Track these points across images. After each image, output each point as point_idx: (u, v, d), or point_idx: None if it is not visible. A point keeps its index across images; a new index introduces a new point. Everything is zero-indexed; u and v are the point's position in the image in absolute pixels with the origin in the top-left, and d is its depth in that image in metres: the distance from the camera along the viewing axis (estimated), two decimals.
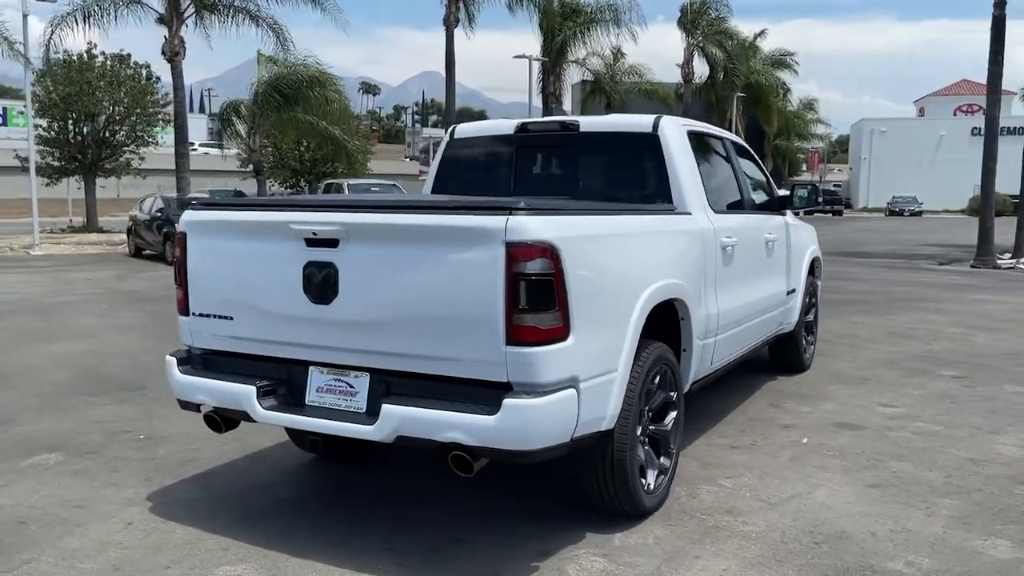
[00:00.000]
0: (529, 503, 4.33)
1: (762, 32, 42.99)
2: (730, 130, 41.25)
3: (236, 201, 4.37)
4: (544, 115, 32.55)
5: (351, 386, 3.65)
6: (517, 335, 3.24)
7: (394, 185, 22.51)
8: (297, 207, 3.79)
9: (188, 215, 3.98)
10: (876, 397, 6.53)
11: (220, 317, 3.90)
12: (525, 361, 3.25)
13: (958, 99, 76.32)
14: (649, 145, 4.92)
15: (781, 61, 45.92)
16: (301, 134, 26.36)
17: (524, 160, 5.49)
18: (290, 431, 4.71)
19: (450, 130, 5.65)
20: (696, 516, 4.16)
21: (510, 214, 3.23)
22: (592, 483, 3.94)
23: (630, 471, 3.87)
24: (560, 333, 3.29)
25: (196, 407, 3.99)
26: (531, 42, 31.42)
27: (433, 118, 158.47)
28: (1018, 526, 4.04)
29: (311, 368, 3.75)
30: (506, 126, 5.44)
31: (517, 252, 3.19)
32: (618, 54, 34.26)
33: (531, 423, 3.24)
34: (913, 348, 8.64)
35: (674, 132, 4.92)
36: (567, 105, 35.40)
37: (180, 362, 4.01)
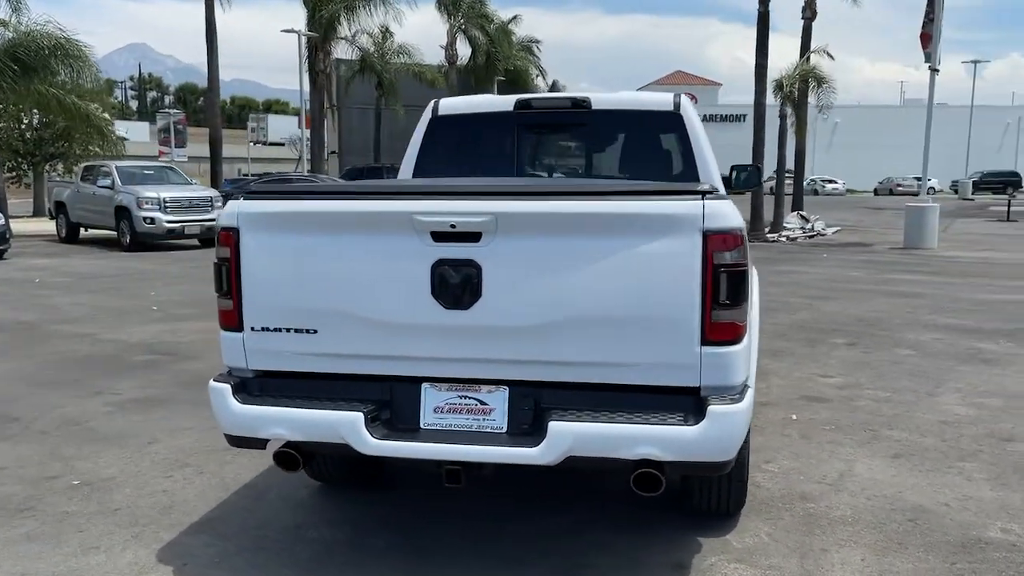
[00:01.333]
0: (604, 514, 3.99)
1: (515, 17, 43.97)
2: None
3: (309, 188, 3.55)
4: (312, 94, 31.11)
5: (483, 403, 3.11)
6: (714, 334, 2.90)
7: (170, 168, 20.30)
8: (415, 194, 3.14)
9: (242, 206, 3.15)
10: (807, 368, 6.84)
11: (298, 331, 3.15)
12: (722, 362, 2.93)
13: (675, 88, 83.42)
14: (672, 124, 4.72)
15: (528, 47, 47.35)
16: (45, 109, 22.95)
17: (527, 140, 5.05)
18: (280, 457, 3.90)
19: (432, 106, 5.02)
20: (778, 506, 4.05)
21: (703, 198, 2.89)
22: (705, 484, 3.69)
23: (747, 469, 3.68)
24: (744, 329, 3.01)
25: (261, 443, 3.22)
26: (254, 14, 29.25)
27: (152, 94, 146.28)
28: None
29: (424, 385, 3.14)
30: (503, 102, 4.93)
31: (718, 240, 2.86)
32: (386, 33, 33.49)
33: (736, 430, 2.93)
34: (785, 319, 9.20)
35: (692, 110, 4.76)
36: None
37: (236, 389, 3.19)
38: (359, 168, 29.76)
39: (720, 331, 2.91)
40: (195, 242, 18.31)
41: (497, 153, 5.02)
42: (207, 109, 27.32)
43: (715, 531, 3.77)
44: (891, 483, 4.34)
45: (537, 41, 48.21)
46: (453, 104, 5.03)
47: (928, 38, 17.87)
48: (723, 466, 2.97)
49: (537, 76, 46.05)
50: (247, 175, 37.05)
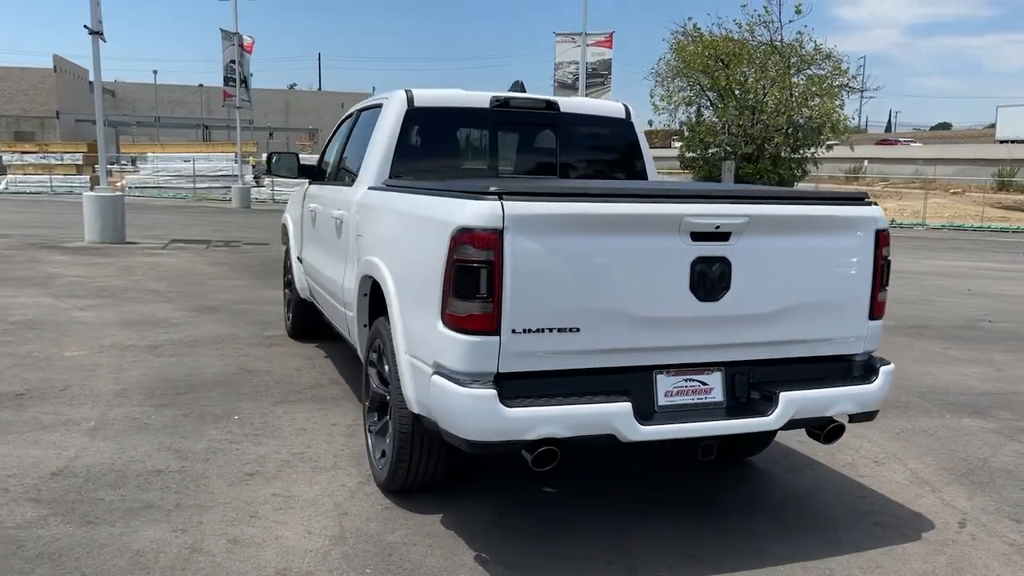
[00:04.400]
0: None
1: None
2: None
3: (576, 189, 3.40)
4: None
5: (704, 383, 3.51)
6: (876, 311, 3.72)
7: None
8: (681, 197, 3.38)
9: (510, 207, 3.09)
10: None
11: (561, 331, 3.21)
12: (877, 333, 3.77)
13: None
14: (625, 129, 5.40)
15: None
16: None
17: (502, 137, 5.30)
18: (543, 456, 3.31)
19: (405, 97, 4.93)
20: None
21: (873, 204, 3.67)
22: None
23: None
24: None
25: (515, 447, 3.21)
26: None
27: None
28: (979, 415, 5.91)
29: (655, 372, 3.44)
30: (476, 98, 5.08)
31: (883, 237, 3.67)
32: None
33: (891, 384, 3.77)
34: None
35: (636, 117, 5.47)
36: None
37: (502, 394, 3.14)
38: None
39: (879, 309, 3.73)
40: None
41: (474, 147, 5.25)
42: None
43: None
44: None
45: None
46: (428, 96, 5.03)
47: None
48: (877, 413, 3.80)
49: None
50: None
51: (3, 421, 4.98)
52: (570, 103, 5.35)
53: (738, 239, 3.38)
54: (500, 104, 5.04)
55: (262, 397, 5.63)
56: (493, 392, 3.13)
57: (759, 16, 23.75)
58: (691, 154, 24.39)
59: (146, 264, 12.25)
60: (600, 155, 5.53)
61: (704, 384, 3.52)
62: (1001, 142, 56.43)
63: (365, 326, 4.53)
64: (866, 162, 51.66)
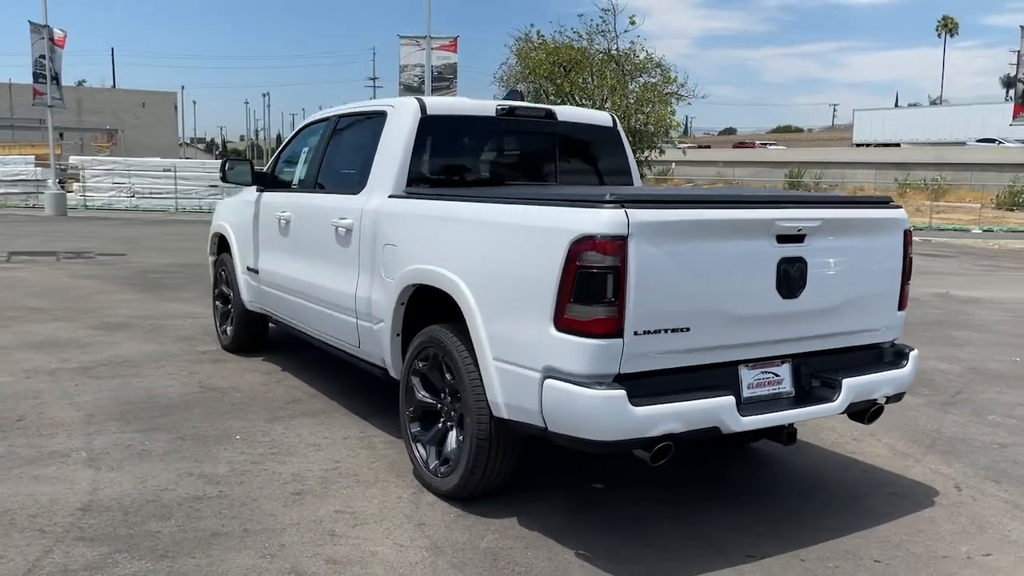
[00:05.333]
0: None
1: None
2: None
3: (689, 196, 3.48)
4: None
5: (776, 375, 3.80)
6: (903, 303, 4.16)
7: None
8: (773, 203, 3.65)
9: (634, 214, 3.22)
10: None
11: (675, 331, 3.37)
12: (903, 322, 4.21)
13: None
14: (613, 137, 5.65)
15: None
16: None
17: (507, 144, 5.43)
18: (661, 451, 3.44)
19: (417, 105, 4.89)
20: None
21: (899, 207, 4.11)
22: None
23: None
24: None
25: (643, 444, 3.34)
26: None
27: None
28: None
29: (739, 367, 3.68)
30: (483, 106, 5.15)
31: (909, 236, 4.11)
32: None
33: (917, 368, 4.22)
34: None
35: (620, 125, 5.75)
36: None
37: (630, 394, 3.26)
38: None
39: (905, 300, 4.17)
40: None
41: (481, 153, 5.35)
42: None
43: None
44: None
45: None
46: (439, 105, 5.03)
47: None
48: (905, 394, 4.24)
49: None
50: None
51: None
52: (565, 112, 5.54)
53: (811, 240, 3.70)
54: (506, 112, 5.13)
55: (248, 415, 5.37)
56: (623, 392, 3.26)
57: (597, 25, 24.83)
58: None
59: (2, 280, 11.10)
60: (593, 160, 5.74)
61: (776, 376, 3.81)
62: (858, 145, 61.66)
63: (398, 335, 4.47)
64: (673, 164, 55.12)
